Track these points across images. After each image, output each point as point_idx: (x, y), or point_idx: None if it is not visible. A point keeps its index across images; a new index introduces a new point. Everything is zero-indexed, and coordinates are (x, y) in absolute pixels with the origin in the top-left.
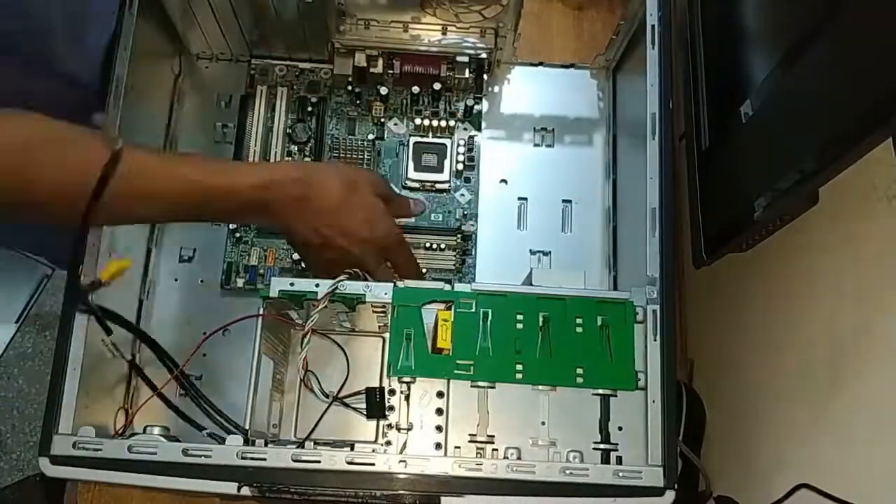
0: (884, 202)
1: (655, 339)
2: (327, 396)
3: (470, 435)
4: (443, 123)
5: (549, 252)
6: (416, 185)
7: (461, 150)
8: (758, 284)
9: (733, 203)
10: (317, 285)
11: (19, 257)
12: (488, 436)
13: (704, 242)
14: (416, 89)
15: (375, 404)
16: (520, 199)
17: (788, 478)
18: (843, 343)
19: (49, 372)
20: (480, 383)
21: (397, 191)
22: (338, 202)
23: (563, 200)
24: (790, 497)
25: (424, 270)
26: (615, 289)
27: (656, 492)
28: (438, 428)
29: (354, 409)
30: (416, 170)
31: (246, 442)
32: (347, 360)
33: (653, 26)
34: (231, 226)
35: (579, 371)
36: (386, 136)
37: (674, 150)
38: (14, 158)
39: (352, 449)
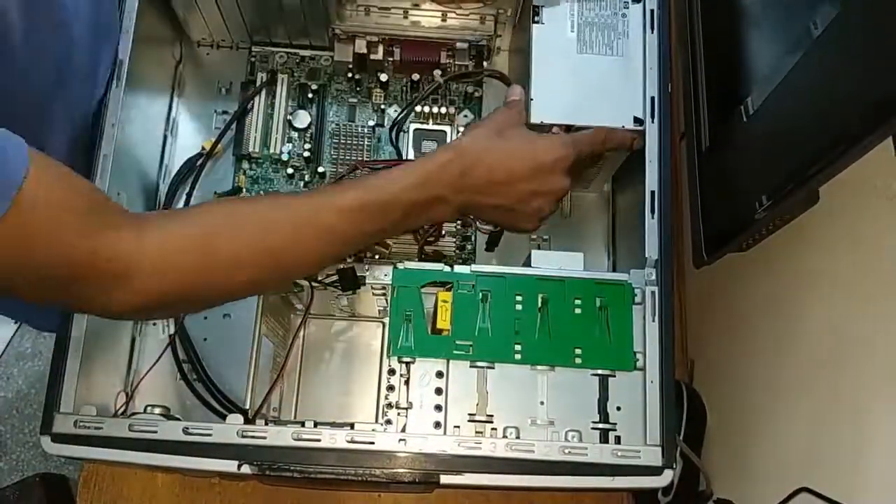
0: (884, 202)
1: (654, 321)
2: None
3: (469, 414)
4: (443, 110)
5: (549, 238)
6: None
7: None
8: (758, 284)
9: (734, 202)
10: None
11: None
12: (487, 415)
13: (705, 242)
14: (415, 76)
15: (349, 279)
16: None
17: (789, 480)
18: (843, 343)
19: (48, 372)
20: (479, 363)
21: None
22: (499, 166)
23: None
24: (790, 501)
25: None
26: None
27: (654, 471)
28: (438, 407)
29: (331, 285)
30: (416, 157)
31: (246, 421)
32: None
33: (652, 10)
34: None
35: (578, 351)
36: (386, 122)
37: (673, 138)
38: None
39: (352, 428)
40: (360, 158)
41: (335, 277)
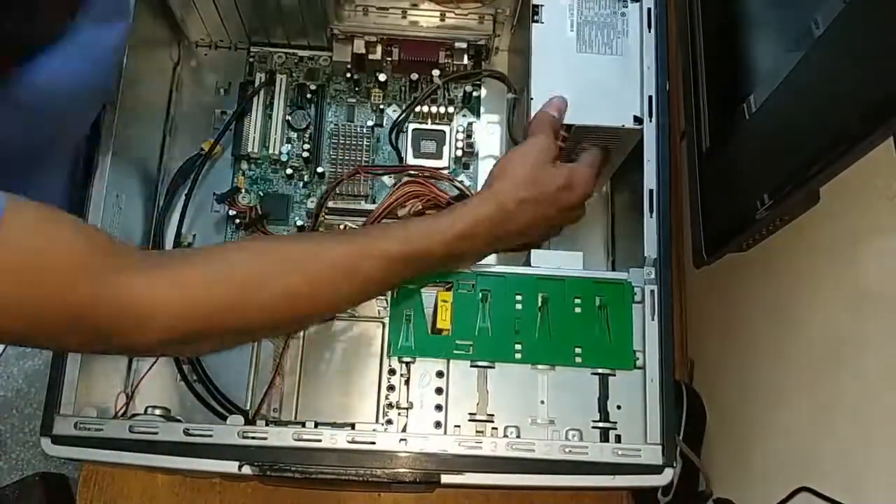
0: (884, 202)
1: (653, 319)
2: None
3: (469, 414)
4: (441, 110)
5: None
6: (415, 171)
7: (460, 136)
8: (758, 284)
9: (734, 202)
10: None
11: None
12: (488, 415)
13: (705, 242)
14: (414, 76)
15: None
16: None
17: (789, 480)
18: (843, 343)
19: (48, 371)
20: (480, 363)
21: None
22: (529, 207)
23: None
24: (791, 500)
25: None
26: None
27: (655, 469)
28: (438, 407)
29: None
30: (415, 157)
31: (247, 421)
32: None
33: (650, 9)
34: (231, 211)
35: (578, 350)
36: (385, 122)
37: (673, 138)
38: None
39: (353, 428)
40: (359, 158)
41: None
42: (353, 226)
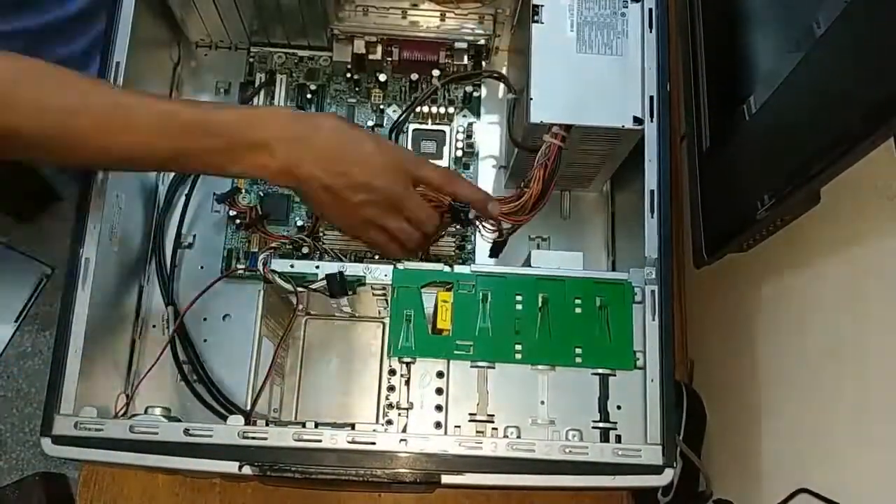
0: (884, 202)
1: (654, 320)
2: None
3: (470, 414)
4: (441, 110)
5: (548, 238)
6: None
7: (460, 136)
8: (758, 284)
9: (734, 203)
10: (317, 267)
11: (19, 257)
12: (488, 415)
13: (705, 242)
14: (414, 76)
15: (337, 284)
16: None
17: (788, 481)
18: (843, 343)
19: (48, 371)
20: (480, 363)
21: None
22: (337, 142)
23: None
24: (790, 501)
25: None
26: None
27: (655, 469)
28: (438, 407)
29: (319, 290)
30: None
31: (247, 422)
32: None
33: (650, 10)
34: (231, 212)
35: (578, 351)
36: (385, 122)
37: (673, 138)
38: None
39: (353, 428)
40: None
41: (324, 283)
42: None
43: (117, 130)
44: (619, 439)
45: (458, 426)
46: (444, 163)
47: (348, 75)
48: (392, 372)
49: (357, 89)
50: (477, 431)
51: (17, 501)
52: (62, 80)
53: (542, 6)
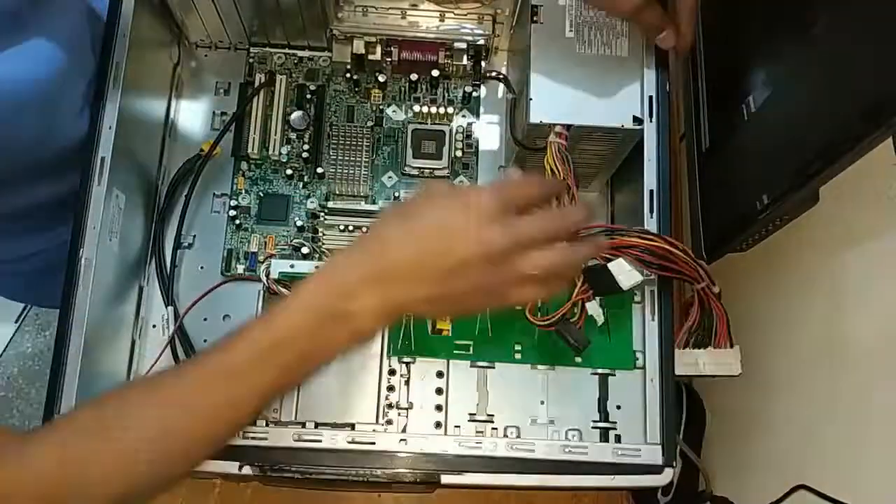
0: (884, 202)
1: (654, 320)
2: None
3: (469, 414)
4: (441, 110)
5: None
6: (415, 172)
7: (460, 136)
8: (758, 284)
9: (734, 202)
10: (317, 267)
11: None
12: (488, 415)
13: (705, 242)
14: (414, 76)
15: None
16: None
17: (787, 477)
18: (842, 342)
19: (48, 371)
20: (480, 363)
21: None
22: (406, 258)
23: None
24: (788, 498)
25: None
26: None
27: (655, 469)
28: (438, 407)
29: None
30: (414, 157)
31: None
32: None
33: None
34: (231, 212)
35: None
36: (385, 123)
37: (673, 138)
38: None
39: (353, 428)
40: (359, 159)
41: None
42: (353, 225)
43: (207, 428)
44: (618, 439)
45: (458, 426)
46: (443, 163)
47: (348, 76)
48: (392, 372)
49: (357, 90)
50: (477, 431)
51: None
52: (118, 423)
53: (540, 6)
